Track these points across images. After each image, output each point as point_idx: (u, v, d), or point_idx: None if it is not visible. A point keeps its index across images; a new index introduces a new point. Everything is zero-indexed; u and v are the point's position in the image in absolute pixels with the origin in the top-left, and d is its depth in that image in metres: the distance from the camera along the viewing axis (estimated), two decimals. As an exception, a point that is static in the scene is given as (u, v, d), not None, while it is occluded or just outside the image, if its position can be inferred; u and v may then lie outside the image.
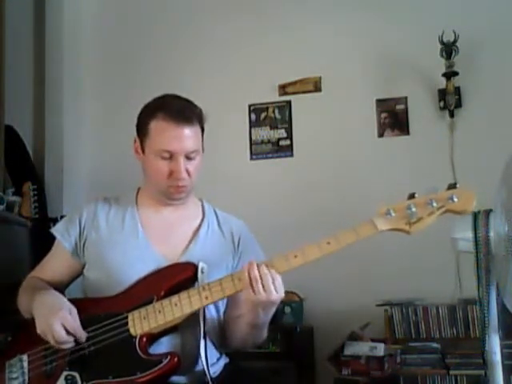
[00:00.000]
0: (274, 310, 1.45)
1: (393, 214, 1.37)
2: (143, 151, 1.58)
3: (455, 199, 1.34)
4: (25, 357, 1.49)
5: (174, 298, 1.43)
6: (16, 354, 1.50)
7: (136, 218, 1.62)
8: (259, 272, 1.37)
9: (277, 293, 1.37)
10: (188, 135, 1.53)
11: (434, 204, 1.34)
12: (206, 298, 1.41)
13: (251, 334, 1.53)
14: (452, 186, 1.36)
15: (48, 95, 3.47)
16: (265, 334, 1.56)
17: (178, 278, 1.48)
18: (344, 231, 1.40)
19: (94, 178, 3.48)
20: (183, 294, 1.42)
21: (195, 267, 1.48)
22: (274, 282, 1.37)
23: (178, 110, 1.53)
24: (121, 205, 1.66)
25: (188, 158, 1.54)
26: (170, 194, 1.58)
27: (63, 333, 1.40)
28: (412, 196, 1.38)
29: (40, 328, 1.43)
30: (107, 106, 3.58)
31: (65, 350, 1.44)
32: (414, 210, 1.35)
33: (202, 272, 1.47)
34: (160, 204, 1.63)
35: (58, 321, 1.40)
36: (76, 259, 1.62)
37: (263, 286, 1.36)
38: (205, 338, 1.46)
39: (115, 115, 3.48)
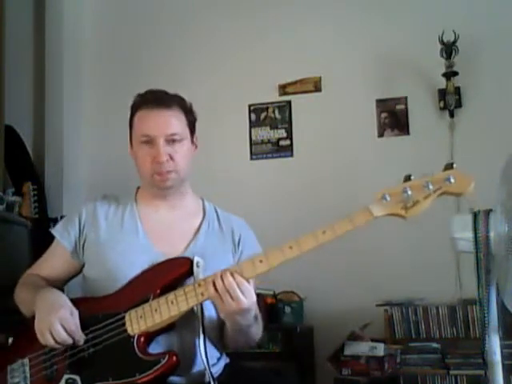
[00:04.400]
0: (252, 314, 1.42)
1: (388, 199, 1.33)
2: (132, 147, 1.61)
3: (452, 180, 1.29)
4: (26, 361, 1.47)
5: (170, 296, 1.41)
6: (17, 357, 1.48)
7: (135, 216, 1.62)
8: (223, 283, 1.34)
9: (246, 299, 1.34)
10: (166, 118, 1.54)
11: (431, 186, 1.30)
12: (202, 294, 1.39)
13: (240, 336, 1.51)
14: (448, 167, 1.32)
15: (48, 95, 3.48)
16: (255, 333, 1.53)
17: (174, 273, 1.46)
18: (339, 220, 1.36)
19: (94, 178, 3.48)
20: (179, 292, 1.41)
21: (190, 261, 1.46)
22: (240, 289, 1.33)
23: (156, 97, 1.57)
24: (120, 203, 1.65)
25: (170, 141, 1.54)
26: (156, 182, 1.56)
27: (63, 333, 1.39)
28: (408, 178, 1.34)
29: (38, 325, 1.41)
30: (107, 106, 3.58)
31: (64, 352, 1.43)
32: (409, 193, 1.31)
33: (198, 266, 1.45)
34: (157, 199, 1.62)
35: (57, 320, 1.39)
36: (75, 259, 1.62)
37: (230, 296, 1.33)
38: (204, 333, 1.45)
39: (115, 115, 3.45)
